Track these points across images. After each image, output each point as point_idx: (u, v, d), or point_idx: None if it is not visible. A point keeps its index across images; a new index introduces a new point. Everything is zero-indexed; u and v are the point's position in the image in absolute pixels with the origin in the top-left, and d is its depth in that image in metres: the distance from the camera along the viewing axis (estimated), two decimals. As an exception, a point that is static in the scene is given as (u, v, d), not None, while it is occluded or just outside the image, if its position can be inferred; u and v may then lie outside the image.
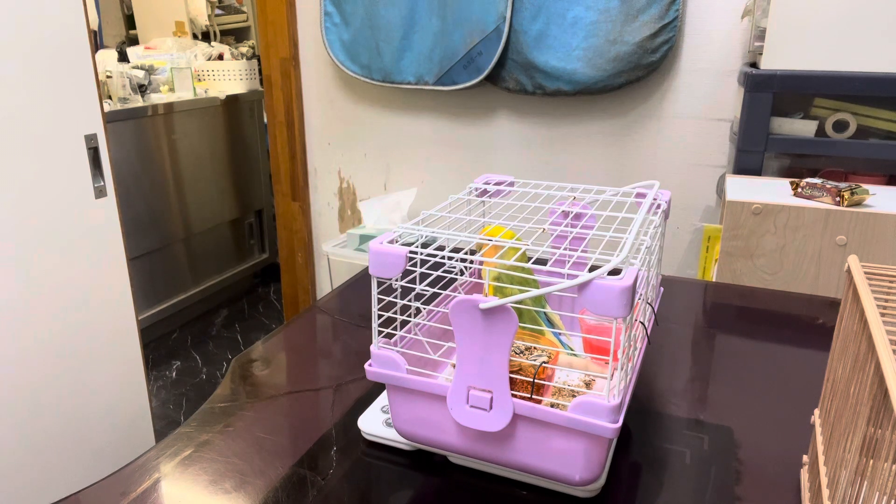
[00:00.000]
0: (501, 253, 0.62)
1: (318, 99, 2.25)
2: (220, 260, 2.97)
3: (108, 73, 2.46)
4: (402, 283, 0.61)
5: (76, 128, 1.31)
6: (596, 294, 0.47)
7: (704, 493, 0.58)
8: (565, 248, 0.75)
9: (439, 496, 0.58)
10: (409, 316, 0.67)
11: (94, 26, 3.06)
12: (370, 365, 0.58)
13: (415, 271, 0.61)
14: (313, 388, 0.76)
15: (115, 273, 1.44)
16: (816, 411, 0.59)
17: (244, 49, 3.19)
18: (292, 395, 0.74)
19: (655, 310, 0.76)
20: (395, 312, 0.66)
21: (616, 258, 0.49)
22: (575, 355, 0.71)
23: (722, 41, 1.68)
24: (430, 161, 2.13)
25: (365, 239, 2.09)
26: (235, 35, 3.60)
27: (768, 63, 1.37)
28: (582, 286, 0.48)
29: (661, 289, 0.84)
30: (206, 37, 3.40)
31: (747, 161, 1.40)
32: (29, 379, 1.29)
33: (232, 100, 2.86)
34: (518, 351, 0.60)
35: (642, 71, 1.70)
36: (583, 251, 0.73)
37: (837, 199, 1.14)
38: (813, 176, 1.42)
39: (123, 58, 2.86)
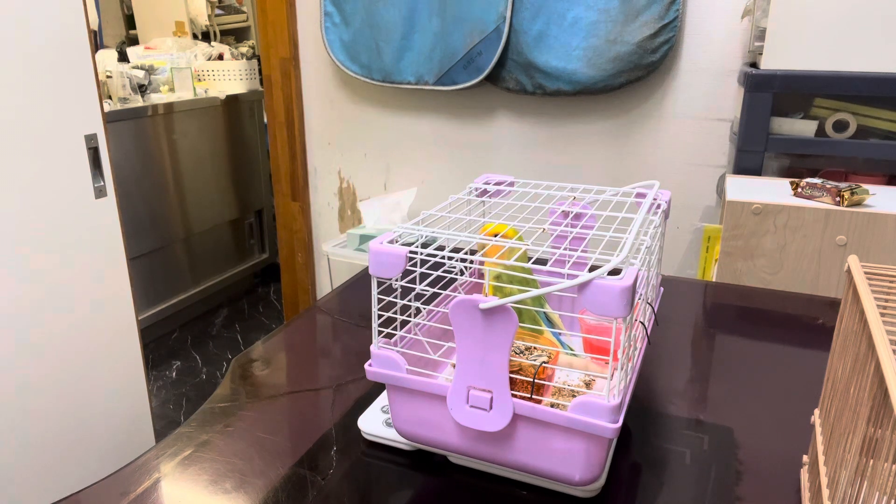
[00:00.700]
0: (501, 253, 0.62)
1: (318, 99, 2.25)
2: (219, 260, 2.97)
3: (108, 73, 2.46)
4: (402, 283, 0.61)
5: (76, 128, 1.31)
6: (596, 294, 0.47)
7: (704, 493, 0.58)
8: (565, 248, 0.75)
9: (439, 496, 0.58)
10: (409, 316, 0.67)
11: (94, 26, 3.06)
12: (370, 365, 0.58)
13: (415, 271, 0.61)
14: (313, 388, 0.76)
15: (115, 273, 1.44)
16: (816, 411, 0.59)
17: (244, 49, 3.19)
18: (292, 395, 0.74)
19: (655, 310, 0.76)
20: (395, 312, 0.66)
21: (616, 258, 0.49)
22: (575, 355, 0.71)
23: (722, 41, 1.68)
24: (430, 161, 2.13)
25: (365, 239, 2.09)
26: (235, 35, 3.60)
27: (768, 63, 1.37)
28: (582, 286, 0.48)
29: (661, 289, 0.84)
30: (206, 37, 3.40)
31: (747, 161, 1.40)
32: (29, 379, 1.29)
33: (232, 100, 2.86)
34: (518, 351, 0.60)
35: (642, 71, 1.70)
36: (583, 251, 0.73)
37: (837, 199, 1.14)
38: (813, 176, 1.42)
39: (123, 58, 2.86)
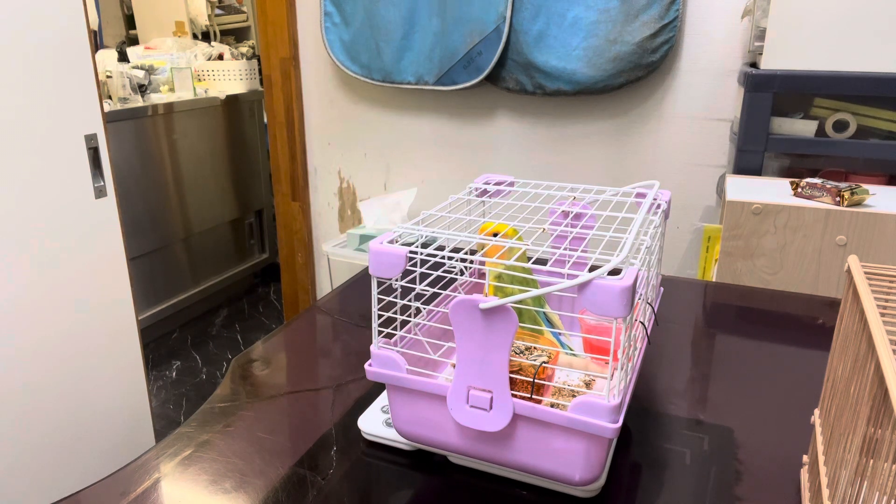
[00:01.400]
0: (501, 253, 0.62)
1: (318, 99, 2.25)
2: (220, 260, 2.97)
3: (108, 73, 2.46)
4: (402, 283, 0.61)
5: (76, 128, 1.31)
6: (596, 294, 0.47)
7: (704, 493, 0.58)
8: (565, 248, 0.75)
9: (439, 496, 0.58)
10: (409, 316, 0.67)
11: (94, 26, 3.06)
12: (370, 365, 0.58)
13: (415, 271, 0.61)
14: (313, 388, 0.76)
15: (115, 273, 1.44)
16: (816, 411, 0.59)
17: (244, 49, 3.19)
18: (292, 395, 0.74)
19: (655, 310, 0.76)
20: (395, 312, 0.66)
21: (616, 258, 0.49)
22: (575, 355, 0.71)
23: (722, 41, 1.68)
24: (430, 161, 2.13)
25: (365, 239, 2.09)
26: (235, 35, 3.60)
27: (768, 63, 1.37)
28: (582, 286, 0.48)
29: (661, 289, 0.84)
30: (206, 37, 3.40)
31: (747, 161, 1.40)
32: (29, 379, 1.29)
33: (232, 100, 2.86)
34: (518, 351, 0.60)
35: (642, 71, 1.70)
36: (583, 251, 0.73)
37: (837, 199, 1.14)
38: (813, 176, 1.42)
39: (123, 58, 2.86)
